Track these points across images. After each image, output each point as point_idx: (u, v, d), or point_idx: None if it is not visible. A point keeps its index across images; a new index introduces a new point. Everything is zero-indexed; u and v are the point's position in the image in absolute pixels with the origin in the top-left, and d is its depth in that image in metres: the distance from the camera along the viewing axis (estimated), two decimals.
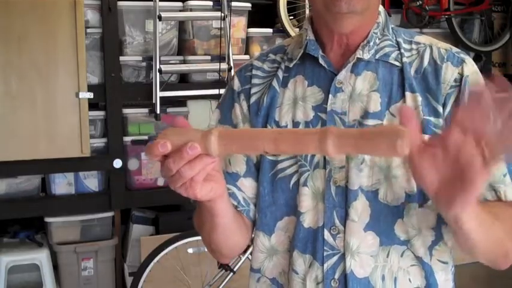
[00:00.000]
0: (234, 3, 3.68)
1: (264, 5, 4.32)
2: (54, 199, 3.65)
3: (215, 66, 3.68)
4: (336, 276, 1.15)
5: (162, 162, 0.97)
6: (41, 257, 3.52)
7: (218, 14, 3.63)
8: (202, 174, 0.97)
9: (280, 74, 1.24)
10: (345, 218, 1.13)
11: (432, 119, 1.13)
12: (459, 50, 1.22)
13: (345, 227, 1.13)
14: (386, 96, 1.16)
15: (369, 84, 1.17)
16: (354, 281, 1.13)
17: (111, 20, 3.60)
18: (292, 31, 3.88)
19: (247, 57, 3.92)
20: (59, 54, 3.47)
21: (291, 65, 1.23)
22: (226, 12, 3.64)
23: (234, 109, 1.27)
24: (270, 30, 4.00)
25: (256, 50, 3.98)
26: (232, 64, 3.66)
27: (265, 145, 0.92)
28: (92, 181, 3.73)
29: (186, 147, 0.93)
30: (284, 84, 1.23)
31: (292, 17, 3.96)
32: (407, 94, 1.15)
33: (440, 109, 1.14)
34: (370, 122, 1.14)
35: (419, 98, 1.15)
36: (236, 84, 1.29)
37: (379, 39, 1.20)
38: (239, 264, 3.12)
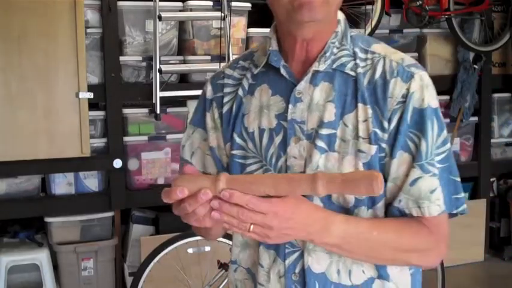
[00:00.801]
0: (234, 3, 3.68)
1: (264, 5, 4.29)
2: (54, 199, 3.66)
3: (215, 66, 3.68)
4: (297, 271, 1.25)
5: (177, 203, 1.15)
6: (41, 257, 3.52)
7: (218, 14, 3.63)
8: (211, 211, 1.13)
9: (246, 82, 1.32)
10: None
11: (379, 132, 1.19)
12: (412, 63, 1.24)
13: None
14: (340, 106, 1.22)
15: (326, 94, 1.23)
16: (312, 275, 1.24)
17: (111, 20, 3.60)
18: None
19: None
20: (59, 54, 3.47)
21: (256, 72, 1.31)
22: (226, 12, 3.64)
23: (206, 117, 1.36)
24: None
25: None
26: None
27: (265, 189, 1.10)
28: (92, 181, 3.73)
29: (200, 194, 1.11)
30: (251, 92, 1.31)
31: None
32: (360, 105, 1.21)
33: (386, 124, 1.19)
34: (325, 131, 1.21)
35: (370, 111, 1.20)
36: (209, 91, 1.37)
37: (337, 48, 1.25)
38: None
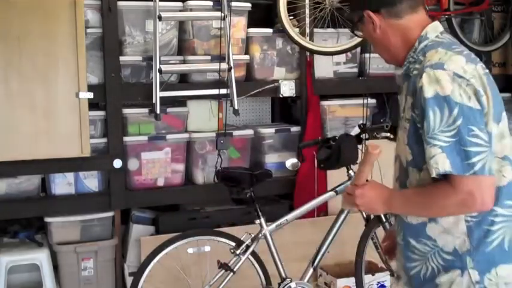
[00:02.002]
0: (234, 3, 3.68)
1: (264, 5, 4.31)
2: (54, 199, 3.66)
3: (215, 66, 3.68)
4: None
5: None
6: (41, 257, 3.52)
7: (218, 14, 3.63)
8: None
9: None
10: None
11: (414, 114, 1.71)
12: (432, 63, 1.68)
13: None
14: (404, 98, 1.79)
15: (404, 90, 1.81)
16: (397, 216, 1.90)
17: (111, 20, 3.60)
18: (292, 31, 3.88)
19: (247, 57, 3.92)
20: (59, 54, 3.47)
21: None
22: (226, 12, 3.64)
23: None
24: (270, 30, 4.00)
25: (256, 50, 3.98)
26: (232, 64, 3.66)
27: (359, 179, 1.88)
28: (92, 181, 3.73)
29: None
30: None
31: (292, 17, 3.96)
32: (408, 97, 1.76)
33: (416, 109, 1.69)
34: (402, 115, 1.81)
35: (410, 100, 1.74)
36: None
37: (411, 57, 1.79)
38: (239, 264, 3.12)
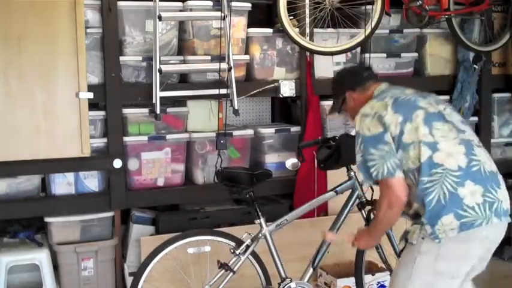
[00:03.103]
0: (234, 3, 3.68)
1: (264, 5, 4.32)
2: (54, 199, 3.66)
3: (215, 66, 3.68)
4: None
5: None
6: (41, 257, 3.52)
7: (218, 14, 3.63)
8: None
9: None
10: None
11: None
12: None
13: None
14: None
15: None
16: None
17: (111, 20, 3.60)
18: (292, 31, 3.88)
19: (247, 57, 3.93)
20: (59, 54, 3.47)
21: None
22: (226, 12, 3.64)
23: None
24: (270, 30, 4.01)
25: (256, 50, 3.98)
26: (232, 64, 3.66)
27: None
28: (92, 181, 3.73)
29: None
30: None
31: (292, 17, 3.96)
32: None
33: None
34: None
35: None
36: None
37: None
38: (239, 264, 3.12)
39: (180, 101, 3.93)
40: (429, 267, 2.32)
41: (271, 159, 4.09)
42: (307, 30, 3.98)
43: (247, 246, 3.14)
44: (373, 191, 3.27)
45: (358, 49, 4.18)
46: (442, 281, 2.33)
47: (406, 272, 2.38)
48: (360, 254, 3.45)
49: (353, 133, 2.83)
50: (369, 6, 3.89)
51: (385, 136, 2.36)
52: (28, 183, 3.63)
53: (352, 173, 3.29)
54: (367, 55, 4.08)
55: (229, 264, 3.09)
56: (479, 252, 2.35)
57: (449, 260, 2.31)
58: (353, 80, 2.67)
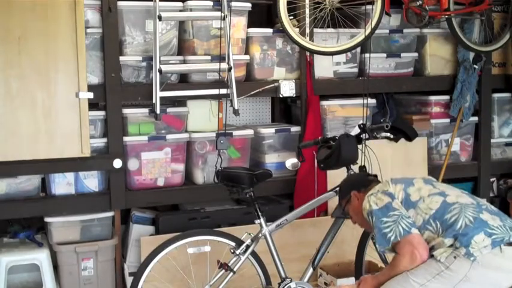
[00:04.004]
0: (234, 3, 3.68)
1: (264, 5, 4.32)
2: (54, 199, 3.66)
3: (215, 66, 3.68)
4: None
5: None
6: (41, 257, 3.52)
7: (218, 14, 3.64)
8: None
9: None
10: None
11: None
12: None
13: None
14: None
15: None
16: None
17: (111, 20, 3.60)
18: (292, 31, 3.88)
19: (247, 57, 3.93)
20: (59, 54, 3.47)
21: None
22: (226, 12, 3.64)
23: None
24: (270, 30, 4.01)
25: (256, 50, 3.98)
26: (232, 64, 3.66)
27: None
28: (92, 181, 3.73)
29: None
30: None
31: (292, 17, 3.96)
32: None
33: None
34: None
35: None
36: None
37: None
38: (239, 264, 3.12)
39: (180, 101, 3.94)
40: (451, 283, 2.43)
41: (271, 159, 4.09)
42: (307, 30, 3.98)
43: (247, 246, 3.14)
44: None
45: (358, 49, 4.18)
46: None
47: (425, 277, 2.46)
48: (360, 254, 3.45)
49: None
50: (368, 6, 3.89)
51: (393, 203, 2.57)
52: (28, 183, 3.63)
53: (352, 173, 3.29)
54: (367, 55, 4.08)
55: (229, 264, 3.09)
56: (507, 284, 2.45)
57: (474, 285, 2.42)
58: (359, 182, 2.90)
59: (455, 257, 2.39)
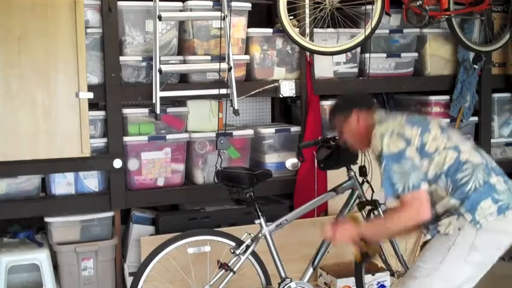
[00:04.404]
0: (234, 3, 3.68)
1: (264, 5, 4.32)
2: (54, 199, 3.66)
3: (215, 66, 3.68)
4: None
5: None
6: (41, 257, 3.52)
7: (218, 14, 3.64)
8: None
9: None
10: None
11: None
12: (372, 136, 2.55)
13: None
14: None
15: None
16: None
17: (111, 20, 3.60)
18: (292, 31, 3.88)
19: (247, 57, 3.93)
20: (59, 54, 3.47)
21: None
22: (226, 12, 3.64)
23: None
24: (270, 30, 4.01)
25: (256, 50, 3.98)
26: (232, 64, 3.66)
27: None
28: (92, 181, 3.73)
29: None
30: None
31: (292, 17, 3.96)
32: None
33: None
34: None
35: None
36: None
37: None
38: (239, 264, 3.12)
39: (180, 101, 3.94)
40: (461, 257, 2.41)
41: (271, 159, 4.09)
42: (307, 30, 3.98)
43: (247, 246, 3.14)
44: (373, 191, 3.27)
45: (358, 49, 4.18)
46: (471, 268, 2.42)
47: (435, 260, 2.42)
48: None
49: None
50: (369, 6, 3.89)
51: (407, 151, 2.42)
52: (28, 183, 3.63)
53: (352, 173, 3.29)
54: (367, 55, 4.08)
55: (229, 264, 3.10)
56: (508, 243, 2.46)
57: (483, 252, 2.41)
58: (362, 101, 2.74)
59: (459, 229, 2.38)
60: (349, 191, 3.31)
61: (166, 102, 3.91)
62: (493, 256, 2.45)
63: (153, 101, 3.62)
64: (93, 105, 3.65)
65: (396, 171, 2.40)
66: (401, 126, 2.49)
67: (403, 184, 2.38)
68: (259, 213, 3.19)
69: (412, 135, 2.45)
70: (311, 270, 3.27)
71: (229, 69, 3.66)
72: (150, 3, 3.62)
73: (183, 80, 3.88)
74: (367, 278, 3.61)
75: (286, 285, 3.19)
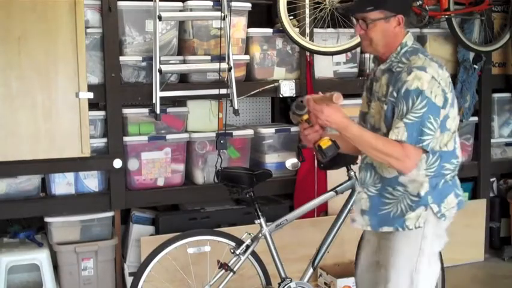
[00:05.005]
0: (234, 3, 3.68)
1: (264, 5, 4.32)
2: (54, 199, 3.66)
3: (215, 66, 3.68)
4: (364, 163, 2.55)
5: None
6: (41, 257, 3.52)
7: (218, 14, 3.64)
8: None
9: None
10: None
11: (392, 99, 2.33)
12: (418, 65, 2.30)
13: None
14: (386, 86, 2.40)
15: (385, 80, 2.42)
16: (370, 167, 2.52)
17: (111, 20, 3.60)
18: (292, 31, 3.88)
19: (247, 57, 3.93)
20: (59, 54, 3.47)
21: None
22: (226, 12, 3.64)
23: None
24: (270, 30, 4.01)
25: (256, 50, 3.98)
26: (232, 64, 3.66)
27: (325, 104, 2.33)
28: (92, 181, 3.73)
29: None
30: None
31: (292, 17, 3.96)
32: (390, 87, 2.36)
33: (395, 94, 2.32)
34: (383, 98, 2.41)
35: (392, 89, 2.35)
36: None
37: (394, 57, 2.39)
38: (239, 264, 3.12)
39: (180, 101, 3.93)
40: (431, 250, 2.43)
41: (271, 159, 4.09)
42: (307, 30, 3.98)
43: (247, 246, 3.14)
44: None
45: (358, 49, 4.18)
46: (434, 260, 2.45)
47: (410, 266, 2.40)
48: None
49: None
50: None
51: (441, 111, 2.29)
52: (28, 183, 3.63)
53: (352, 173, 3.29)
54: (367, 55, 4.08)
55: (229, 264, 3.09)
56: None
57: (439, 239, 2.45)
58: (409, 12, 2.51)
59: (424, 222, 2.37)
60: (349, 191, 3.31)
61: (166, 102, 3.91)
62: (443, 243, 2.48)
63: (153, 101, 3.62)
64: (93, 105, 3.65)
65: (416, 120, 2.24)
66: (447, 85, 2.33)
67: (413, 133, 2.25)
68: (259, 213, 3.19)
69: (448, 103, 2.33)
70: (311, 270, 3.27)
71: (229, 69, 3.66)
72: (150, 3, 3.62)
73: (183, 80, 3.88)
74: None
75: (286, 285, 3.19)
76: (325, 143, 2.36)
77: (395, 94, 2.30)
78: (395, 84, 2.31)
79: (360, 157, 2.61)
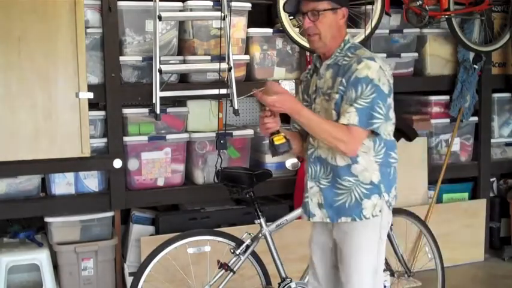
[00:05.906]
0: (234, 3, 3.68)
1: (264, 5, 4.32)
2: (54, 199, 3.66)
3: (215, 66, 3.68)
4: (312, 157, 2.53)
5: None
6: (41, 257, 3.52)
7: (218, 14, 3.64)
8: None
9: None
10: None
11: (342, 88, 2.39)
12: (367, 56, 2.40)
13: None
14: (333, 79, 2.45)
15: (330, 74, 2.47)
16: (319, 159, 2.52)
17: (111, 20, 3.60)
18: (292, 31, 3.88)
19: (247, 57, 3.93)
20: (59, 55, 3.47)
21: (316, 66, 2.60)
22: (226, 12, 3.64)
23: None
24: (270, 30, 4.01)
25: (256, 50, 3.98)
26: (232, 64, 3.66)
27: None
28: (92, 181, 3.73)
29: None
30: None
31: (292, 17, 3.96)
32: (338, 78, 2.42)
33: (345, 83, 2.38)
34: (329, 91, 2.46)
35: (340, 78, 2.41)
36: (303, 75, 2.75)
37: (338, 53, 2.47)
38: (239, 264, 3.12)
39: (180, 101, 3.94)
40: (385, 238, 2.54)
41: (271, 159, 4.08)
42: None
43: (247, 246, 3.14)
44: None
45: None
46: (383, 247, 2.54)
47: (371, 257, 2.47)
48: None
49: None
50: (369, 6, 3.89)
51: (387, 99, 2.41)
52: (28, 183, 3.63)
53: None
54: None
55: (229, 264, 3.09)
56: None
57: (386, 227, 2.55)
58: (349, 6, 2.58)
59: (380, 211, 2.44)
60: None
61: (166, 102, 3.91)
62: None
63: (153, 101, 3.62)
64: (93, 105, 3.65)
65: (380, 108, 2.36)
66: (390, 75, 2.44)
67: (378, 122, 2.36)
68: (259, 213, 3.19)
69: (392, 92, 2.44)
70: None
71: (229, 69, 3.66)
72: (150, 3, 3.62)
73: (183, 80, 3.89)
74: None
75: (286, 285, 3.19)
76: (278, 139, 2.39)
77: (344, 83, 2.38)
78: (344, 74, 2.39)
79: (308, 152, 2.54)
